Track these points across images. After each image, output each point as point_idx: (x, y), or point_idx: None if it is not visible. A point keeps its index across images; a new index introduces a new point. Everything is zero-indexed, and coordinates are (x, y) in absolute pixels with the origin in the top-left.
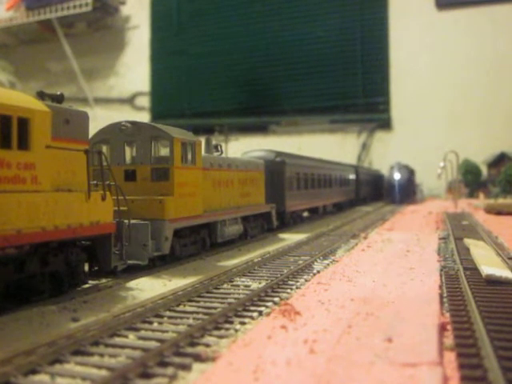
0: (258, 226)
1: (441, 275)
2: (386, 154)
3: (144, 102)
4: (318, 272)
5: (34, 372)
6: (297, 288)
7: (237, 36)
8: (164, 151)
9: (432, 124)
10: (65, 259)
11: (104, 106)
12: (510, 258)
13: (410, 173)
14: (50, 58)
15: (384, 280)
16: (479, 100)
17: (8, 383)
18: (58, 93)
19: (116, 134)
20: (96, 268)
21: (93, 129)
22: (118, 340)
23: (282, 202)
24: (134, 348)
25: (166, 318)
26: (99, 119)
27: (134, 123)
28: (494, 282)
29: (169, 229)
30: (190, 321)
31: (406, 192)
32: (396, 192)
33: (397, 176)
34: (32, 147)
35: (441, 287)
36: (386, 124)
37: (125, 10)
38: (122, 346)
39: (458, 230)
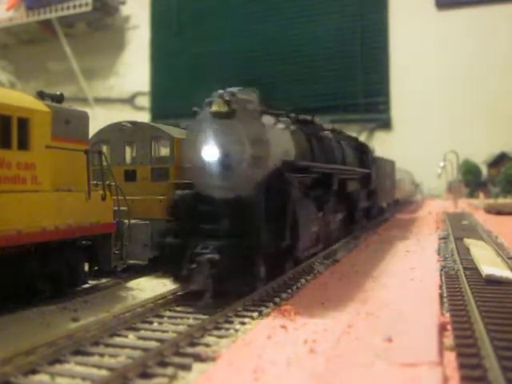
0: None
1: (441, 275)
2: (386, 154)
3: (144, 102)
4: (318, 272)
5: (34, 372)
6: (297, 288)
7: (237, 36)
8: (164, 151)
9: (432, 124)
10: (65, 259)
11: (104, 106)
12: (510, 258)
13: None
14: (50, 57)
15: (384, 280)
16: (479, 100)
17: (8, 383)
18: (58, 93)
19: (116, 133)
20: (96, 268)
21: (93, 129)
22: (117, 340)
23: None
24: (133, 348)
25: (165, 318)
26: (99, 119)
27: (133, 123)
28: (493, 281)
29: None
30: (190, 321)
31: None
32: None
33: (211, 156)
34: (32, 147)
35: (441, 287)
36: (386, 124)
37: (125, 10)
38: (122, 346)
39: (458, 229)
